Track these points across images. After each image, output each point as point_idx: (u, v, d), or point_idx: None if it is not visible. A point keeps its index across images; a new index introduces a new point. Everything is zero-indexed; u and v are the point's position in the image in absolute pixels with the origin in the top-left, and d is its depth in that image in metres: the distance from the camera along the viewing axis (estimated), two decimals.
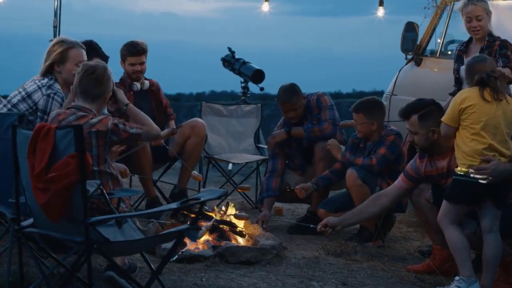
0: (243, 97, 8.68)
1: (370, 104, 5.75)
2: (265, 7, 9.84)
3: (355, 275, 4.76)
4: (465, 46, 5.61)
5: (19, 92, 4.73)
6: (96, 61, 4.14)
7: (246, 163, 7.31)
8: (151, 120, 4.37)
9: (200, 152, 6.60)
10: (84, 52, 4.83)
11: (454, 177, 4.38)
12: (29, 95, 4.67)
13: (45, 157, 3.16)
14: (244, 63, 8.64)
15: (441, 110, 4.68)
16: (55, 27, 7.93)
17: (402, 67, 7.31)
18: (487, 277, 4.36)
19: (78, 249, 3.38)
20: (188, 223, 3.45)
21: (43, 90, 4.68)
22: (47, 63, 4.78)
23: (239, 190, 6.21)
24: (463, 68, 5.60)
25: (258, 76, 8.45)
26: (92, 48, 5.56)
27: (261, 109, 7.50)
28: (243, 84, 8.72)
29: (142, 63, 6.45)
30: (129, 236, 3.55)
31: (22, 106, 4.64)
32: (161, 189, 6.71)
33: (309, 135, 6.11)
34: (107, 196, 3.70)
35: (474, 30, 5.44)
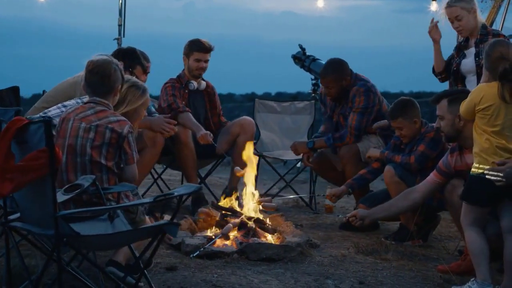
0: (313, 94, 8.61)
1: (403, 106, 5.56)
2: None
3: (377, 274, 4.62)
4: (465, 41, 5.75)
5: (78, 103, 4.80)
6: (99, 56, 4.15)
7: (300, 160, 7.21)
8: None
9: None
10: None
11: (470, 175, 4.19)
12: None
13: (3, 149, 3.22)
14: (314, 60, 8.55)
15: None
16: (120, 25, 8.10)
17: None
18: (508, 280, 4.15)
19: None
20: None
21: None
22: (123, 110, 4.44)
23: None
24: (464, 62, 5.44)
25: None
26: (135, 56, 5.62)
27: (315, 105, 7.40)
28: (313, 81, 8.64)
29: (207, 61, 6.55)
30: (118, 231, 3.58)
31: None
32: (215, 185, 6.76)
33: (331, 146, 6.18)
34: (101, 191, 3.75)
35: (457, 30, 5.66)
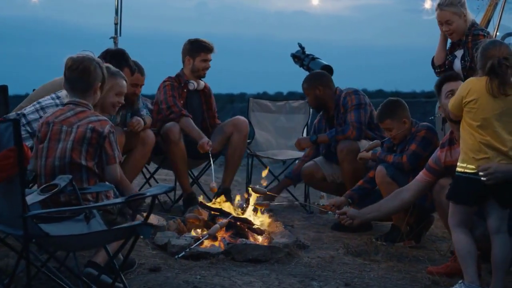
0: None
1: (390, 107, 5.51)
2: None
3: (364, 275, 4.54)
4: (459, 39, 5.60)
5: (52, 98, 4.76)
6: (80, 53, 4.10)
7: (295, 159, 7.14)
8: None
9: (243, 149, 6.54)
10: (125, 84, 4.64)
11: (456, 174, 4.12)
12: (42, 108, 4.69)
13: None
14: (313, 58, 8.48)
15: None
16: (116, 24, 8.04)
17: None
18: (496, 281, 4.07)
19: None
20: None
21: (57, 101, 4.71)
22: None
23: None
24: (456, 62, 5.36)
25: (326, 71, 8.28)
26: (122, 58, 5.58)
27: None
28: None
29: (210, 60, 6.50)
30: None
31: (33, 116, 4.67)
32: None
33: (332, 138, 6.14)
34: (78, 191, 3.70)
35: (447, 34, 5.53)
